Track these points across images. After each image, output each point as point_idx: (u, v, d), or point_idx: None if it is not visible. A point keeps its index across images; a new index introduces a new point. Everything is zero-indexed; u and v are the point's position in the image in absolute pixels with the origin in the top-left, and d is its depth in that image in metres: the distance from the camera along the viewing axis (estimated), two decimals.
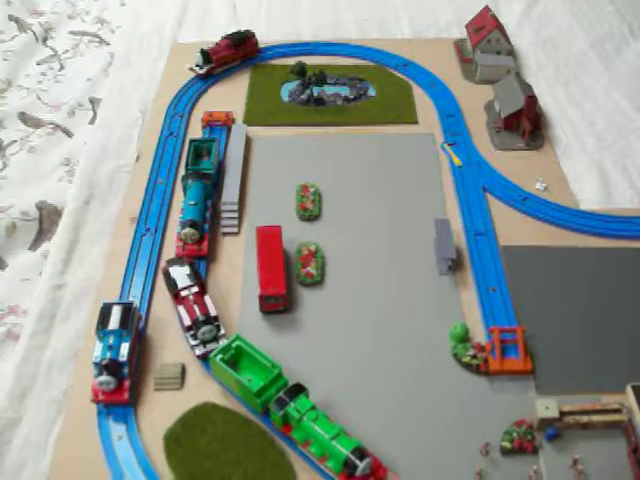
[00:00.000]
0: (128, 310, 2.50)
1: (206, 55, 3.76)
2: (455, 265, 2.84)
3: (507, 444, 2.28)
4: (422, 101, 3.73)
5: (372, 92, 3.78)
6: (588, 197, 3.20)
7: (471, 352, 2.52)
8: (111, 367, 2.36)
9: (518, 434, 2.29)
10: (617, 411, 2.35)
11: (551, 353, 2.57)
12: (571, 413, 2.34)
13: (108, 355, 2.37)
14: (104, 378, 2.34)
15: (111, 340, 2.42)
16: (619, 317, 2.70)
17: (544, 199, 3.14)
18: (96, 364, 2.37)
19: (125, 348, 2.42)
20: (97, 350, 2.41)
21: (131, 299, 2.71)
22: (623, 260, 2.91)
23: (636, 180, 3.29)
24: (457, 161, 3.31)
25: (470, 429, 2.35)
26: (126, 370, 2.41)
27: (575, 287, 2.80)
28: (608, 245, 2.97)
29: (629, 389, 2.30)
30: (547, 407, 2.31)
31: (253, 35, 3.94)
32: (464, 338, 2.56)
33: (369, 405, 2.43)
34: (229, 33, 3.90)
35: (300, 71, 3.64)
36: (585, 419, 2.33)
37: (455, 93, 3.76)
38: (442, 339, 2.60)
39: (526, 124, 3.40)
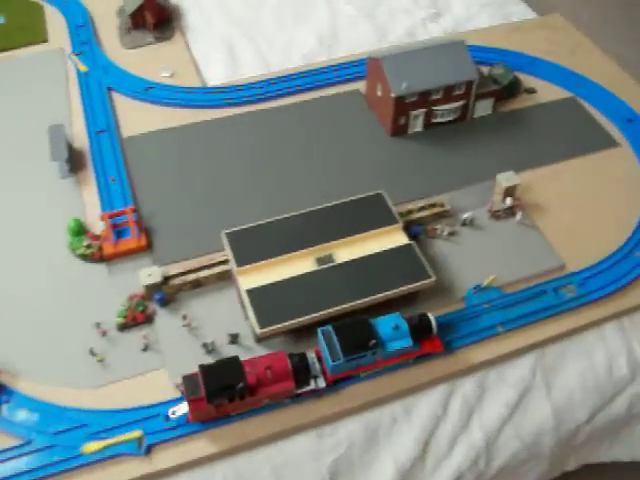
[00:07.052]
0: None
1: None
2: (75, 166, 2.81)
3: (120, 319, 2.30)
4: (54, 18, 3.63)
5: (2, 20, 3.64)
6: (216, 74, 3.26)
7: (85, 243, 2.52)
8: None
9: (129, 307, 2.32)
10: (224, 262, 2.41)
11: (170, 227, 2.61)
12: (178, 275, 2.39)
13: None
14: None
15: None
16: (235, 180, 2.77)
17: (169, 85, 3.15)
18: None
19: None
20: None
21: None
22: (240, 125, 2.99)
23: (262, 48, 3.37)
24: (82, 67, 3.26)
25: (88, 315, 2.34)
26: None
27: (197, 160, 2.86)
28: (232, 113, 3.03)
29: (223, 234, 2.34)
30: (149, 274, 2.34)
31: None
32: (79, 231, 2.55)
33: None
34: None
35: None
36: (193, 277, 2.38)
37: (85, 3, 3.68)
38: (62, 238, 2.57)
39: (149, 17, 3.40)
